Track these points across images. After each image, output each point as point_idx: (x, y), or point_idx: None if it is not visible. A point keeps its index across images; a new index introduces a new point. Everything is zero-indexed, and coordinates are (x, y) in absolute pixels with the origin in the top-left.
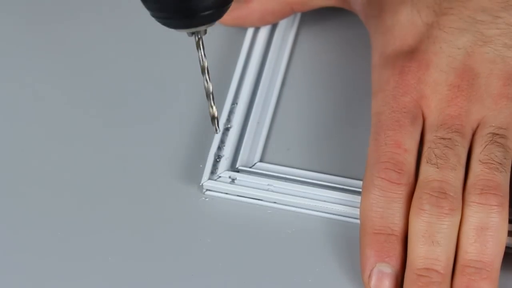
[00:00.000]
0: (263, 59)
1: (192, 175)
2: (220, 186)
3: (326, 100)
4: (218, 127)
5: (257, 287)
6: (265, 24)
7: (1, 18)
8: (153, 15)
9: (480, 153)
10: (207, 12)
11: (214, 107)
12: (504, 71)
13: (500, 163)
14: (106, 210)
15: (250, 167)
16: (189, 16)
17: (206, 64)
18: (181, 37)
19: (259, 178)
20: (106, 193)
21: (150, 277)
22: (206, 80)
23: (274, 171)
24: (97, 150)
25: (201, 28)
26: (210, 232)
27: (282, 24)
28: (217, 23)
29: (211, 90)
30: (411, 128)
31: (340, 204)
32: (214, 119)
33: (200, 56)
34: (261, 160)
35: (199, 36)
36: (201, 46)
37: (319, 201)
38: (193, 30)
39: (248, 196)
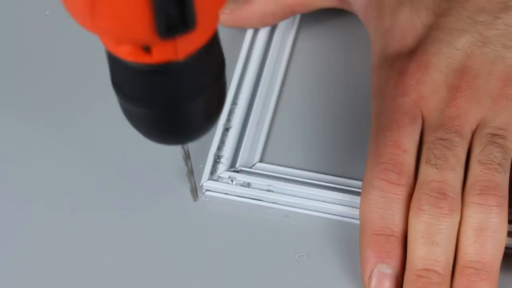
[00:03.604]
0: (263, 59)
1: None
2: (220, 187)
3: (326, 100)
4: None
5: (257, 287)
6: (265, 25)
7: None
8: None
9: (479, 153)
10: (195, 134)
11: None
12: (504, 71)
13: (499, 164)
14: (106, 210)
15: (250, 168)
16: (180, 139)
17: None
18: None
19: (259, 179)
20: (106, 193)
21: (150, 277)
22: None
23: (274, 172)
24: (97, 150)
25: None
26: (210, 232)
27: (282, 24)
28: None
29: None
30: (410, 128)
31: (340, 204)
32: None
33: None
34: (261, 161)
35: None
36: (188, 154)
37: (319, 201)
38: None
39: (248, 196)
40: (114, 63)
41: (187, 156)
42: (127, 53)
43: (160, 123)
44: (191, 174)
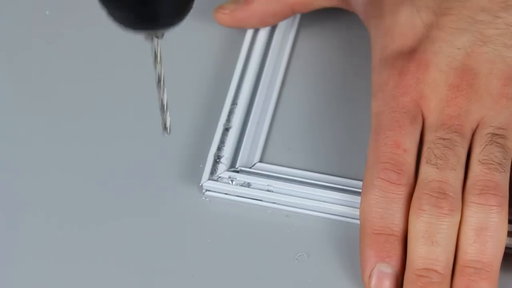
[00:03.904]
0: (263, 59)
1: (192, 175)
2: (220, 187)
3: (326, 100)
4: (167, 130)
5: (256, 287)
6: (265, 25)
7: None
8: (109, 14)
9: (480, 153)
10: (168, 17)
11: (167, 117)
12: (504, 71)
13: (500, 164)
14: (106, 210)
15: (250, 168)
16: (149, 18)
17: (162, 73)
18: (181, 38)
19: (259, 179)
20: (106, 193)
21: (150, 277)
22: (163, 90)
23: (274, 172)
24: (97, 150)
25: (159, 32)
26: (210, 232)
27: (282, 24)
28: (217, 24)
29: (165, 102)
30: (410, 128)
31: (340, 204)
32: (165, 128)
33: (156, 63)
34: (261, 161)
35: (156, 39)
36: (158, 51)
37: (319, 201)
38: (151, 33)
39: (248, 196)
40: None
41: (157, 54)
42: None
43: None
44: (164, 108)
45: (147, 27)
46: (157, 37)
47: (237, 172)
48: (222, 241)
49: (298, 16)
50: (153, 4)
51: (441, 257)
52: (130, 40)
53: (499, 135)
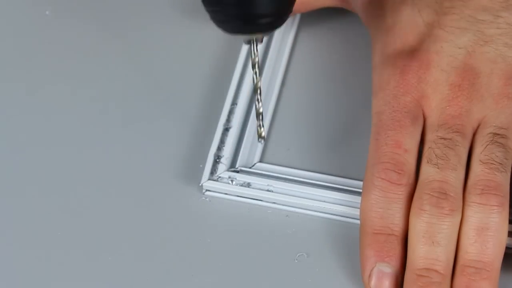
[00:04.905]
0: (263, 59)
1: (192, 175)
2: (220, 187)
3: (326, 100)
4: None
5: (256, 287)
6: None
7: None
8: (212, 17)
9: (481, 153)
10: (266, 19)
11: (263, 128)
12: (505, 70)
13: (501, 163)
14: (106, 210)
15: (250, 168)
16: (248, 21)
17: (259, 84)
18: (181, 38)
19: (259, 179)
20: (106, 193)
21: (150, 277)
22: (258, 100)
23: (274, 172)
24: (97, 150)
25: (258, 36)
26: (210, 232)
27: None
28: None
29: (261, 110)
30: (411, 128)
31: (340, 204)
32: (261, 137)
33: (254, 70)
34: (260, 161)
35: (255, 43)
36: (256, 57)
37: (319, 201)
38: (250, 36)
39: (248, 196)
40: None
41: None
42: None
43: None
44: (260, 114)
45: (247, 31)
46: (257, 40)
47: (237, 172)
48: (222, 241)
49: (298, 16)
50: (254, 7)
51: (442, 257)
52: (131, 40)
53: (500, 134)
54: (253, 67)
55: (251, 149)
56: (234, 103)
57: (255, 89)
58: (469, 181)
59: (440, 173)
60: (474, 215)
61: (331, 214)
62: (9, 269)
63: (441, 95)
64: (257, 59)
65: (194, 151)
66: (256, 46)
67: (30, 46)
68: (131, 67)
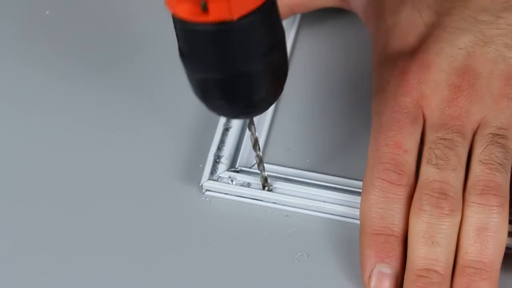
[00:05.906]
0: None
1: (192, 175)
2: (220, 187)
3: (326, 100)
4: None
5: (256, 287)
6: None
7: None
8: (208, 108)
9: (481, 153)
10: (263, 103)
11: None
12: (505, 71)
13: (501, 164)
14: (106, 210)
15: (250, 168)
16: (248, 107)
17: (260, 155)
18: None
19: (259, 179)
20: (106, 193)
21: (150, 277)
22: (257, 154)
23: (274, 172)
24: (97, 150)
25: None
26: (210, 232)
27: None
28: None
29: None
30: (411, 128)
31: (340, 204)
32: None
33: (252, 134)
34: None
35: (253, 125)
36: (254, 133)
37: (319, 201)
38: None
39: (247, 196)
40: (182, 32)
41: (255, 141)
42: (186, 12)
43: (223, 89)
44: (261, 162)
45: (244, 117)
46: (251, 119)
47: (237, 172)
48: (222, 241)
49: (298, 16)
50: (251, 99)
51: (442, 257)
52: (130, 41)
53: (500, 135)
54: (254, 146)
55: (251, 149)
56: None
57: (259, 164)
58: (469, 182)
59: (440, 173)
60: (474, 216)
61: (331, 214)
62: (9, 269)
63: (441, 96)
64: (256, 135)
65: (194, 151)
66: (254, 124)
67: (30, 46)
68: (131, 67)
